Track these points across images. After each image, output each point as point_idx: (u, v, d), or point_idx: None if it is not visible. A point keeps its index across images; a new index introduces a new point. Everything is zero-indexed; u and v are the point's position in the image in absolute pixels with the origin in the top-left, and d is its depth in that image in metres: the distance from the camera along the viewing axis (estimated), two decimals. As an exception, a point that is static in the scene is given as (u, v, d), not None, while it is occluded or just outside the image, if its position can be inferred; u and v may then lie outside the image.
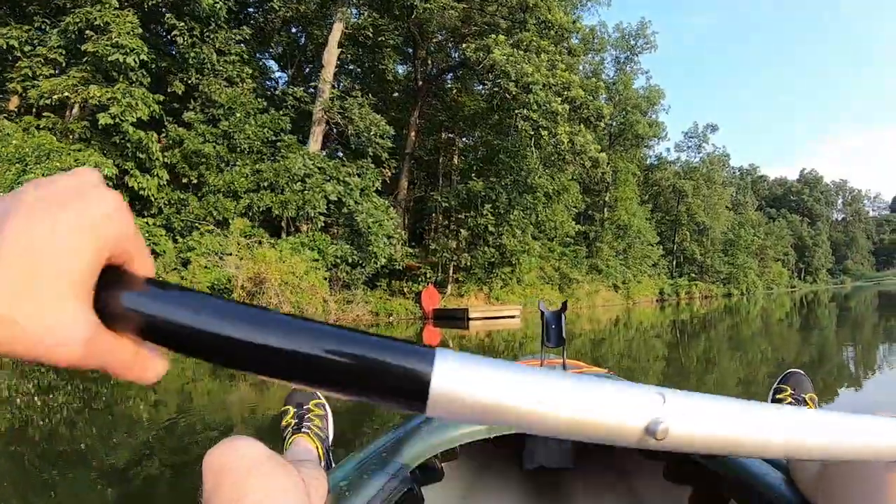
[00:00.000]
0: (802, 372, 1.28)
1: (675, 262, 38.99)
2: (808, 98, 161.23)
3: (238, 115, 15.03)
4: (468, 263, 19.99)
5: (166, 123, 14.24)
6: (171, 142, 14.25)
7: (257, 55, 19.18)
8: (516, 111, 17.37)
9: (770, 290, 43.10)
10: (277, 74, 21.11)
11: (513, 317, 16.54)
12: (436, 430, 1.01)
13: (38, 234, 0.24)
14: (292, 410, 1.22)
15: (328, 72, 17.19)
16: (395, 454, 0.92)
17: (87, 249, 0.25)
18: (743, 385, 4.72)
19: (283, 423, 1.21)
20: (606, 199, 31.53)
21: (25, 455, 3.23)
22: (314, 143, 16.47)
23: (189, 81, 15.08)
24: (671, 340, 9.77)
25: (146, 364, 0.29)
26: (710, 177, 40.93)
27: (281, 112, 15.97)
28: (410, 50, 22.28)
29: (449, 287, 20.04)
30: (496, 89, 17.69)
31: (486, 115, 22.25)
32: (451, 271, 20.07)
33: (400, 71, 24.31)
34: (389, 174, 17.37)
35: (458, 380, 0.29)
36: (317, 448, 1.13)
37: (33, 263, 0.23)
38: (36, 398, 5.08)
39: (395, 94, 24.04)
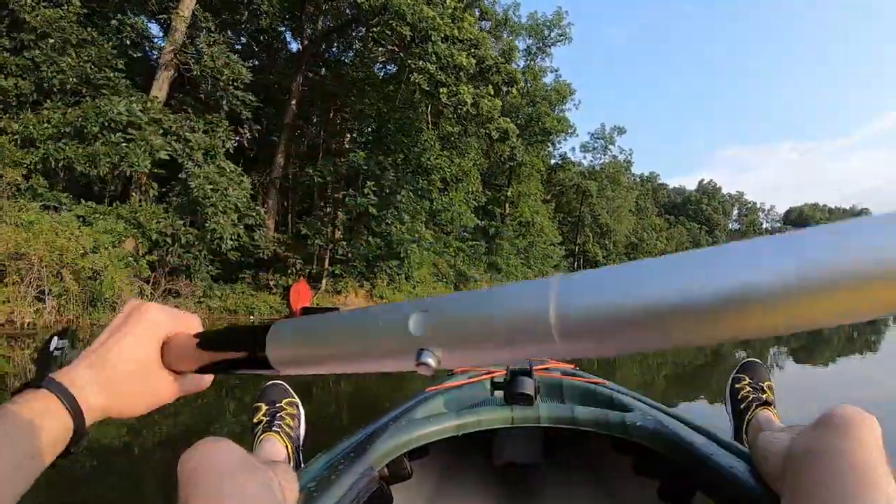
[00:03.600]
0: (759, 361, 1.33)
1: (576, 264, 39.82)
2: (706, 115, 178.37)
3: (52, 41, 12.38)
4: (347, 253, 18.32)
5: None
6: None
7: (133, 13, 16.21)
8: (409, 62, 15.69)
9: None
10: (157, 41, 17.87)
11: (396, 318, 15.07)
12: (404, 428, 1.06)
13: (126, 349, 0.54)
14: (264, 408, 1.25)
15: (185, 6, 14.77)
16: (363, 453, 0.95)
17: (152, 346, 0.55)
18: (642, 388, 4.66)
19: (255, 420, 1.24)
20: (508, 193, 31.31)
21: None
22: (158, 91, 14.02)
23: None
24: None
25: (200, 382, 0.60)
26: (615, 178, 42.38)
27: (111, 44, 13.37)
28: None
29: (324, 281, 18.30)
30: (386, 36, 15.83)
31: (379, 86, 20.78)
32: (326, 262, 18.32)
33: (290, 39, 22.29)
34: (249, 136, 15.22)
35: (288, 343, 0.45)
36: (287, 447, 1.16)
37: (134, 363, 0.54)
38: None
39: (279, 58, 21.88)
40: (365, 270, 18.77)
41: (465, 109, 16.42)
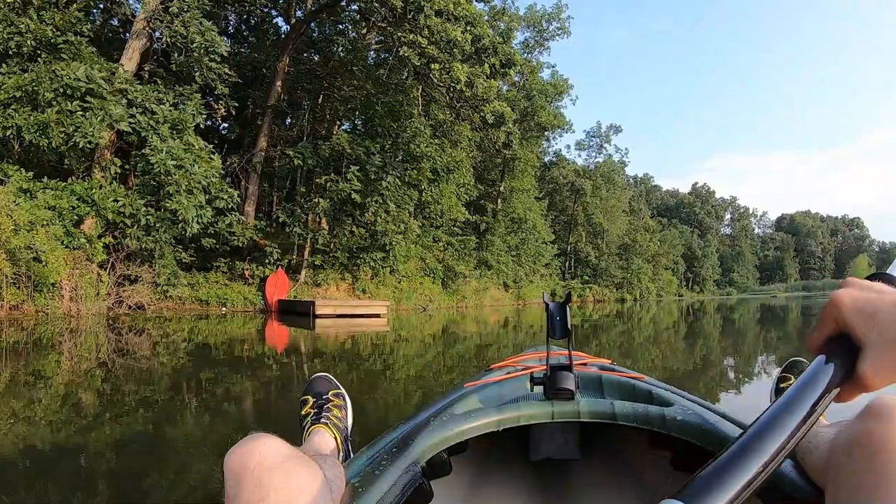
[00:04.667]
0: (805, 360, 1.33)
1: (568, 264, 39.24)
2: (703, 121, 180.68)
3: (11, 0, 11.39)
4: (328, 244, 17.41)
5: None
6: None
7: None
8: (399, 35, 14.59)
9: (660, 298, 45.12)
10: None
11: (377, 315, 14.24)
12: (445, 423, 1.07)
13: None
14: (311, 400, 1.30)
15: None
16: (405, 449, 0.98)
17: None
18: (679, 384, 4.22)
19: (303, 412, 1.28)
20: (501, 188, 30.66)
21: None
22: (127, 61, 13.01)
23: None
24: (562, 344, 9.17)
25: None
26: (609, 178, 41.83)
27: (76, 7, 12.33)
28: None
29: (303, 273, 17.41)
30: (376, 9, 14.70)
31: (369, 69, 19.88)
32: (306, 253, 17.41)
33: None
34: (223, 112, 14.25)
35: None
36: (335, 439, 1.19)
37: None
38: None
39: (268, 38, 20.93)
40: (347, 262, 17.88)
41: (458, 88, 15.34)
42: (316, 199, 15.74)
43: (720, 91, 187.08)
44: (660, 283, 46.86)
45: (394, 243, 17.30)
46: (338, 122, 20.88)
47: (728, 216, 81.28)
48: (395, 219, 16.87)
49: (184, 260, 14.23)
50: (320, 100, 20.32)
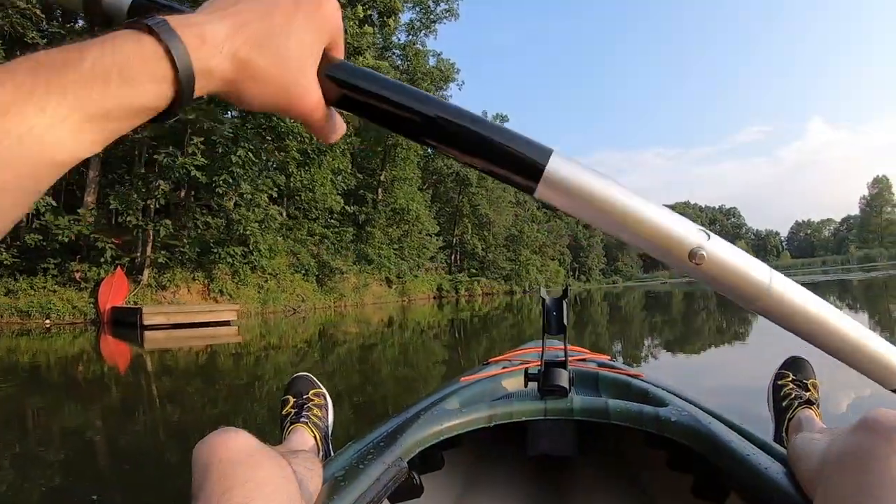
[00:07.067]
0: (804, 358, 1.33)
1: (454, 257, 39.17)
2: (581, 123, 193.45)
3: None
4: (177, 236, 15.45)
5: None
6: None
7: None
8: None
9: (548, 289, 46.51)
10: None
11: (226, 323, 12.77)
12: (435, 418, 1.11)
13: (295, 27, 0.39)
14: (292, 400, 1.33)
15: None
16: (393, 443, 0.99)
17: (320, 38, 0.42)
18: (680, 381, 4.69)
19: (283, 412, 1.31)
20: (382, 178, 29.76)
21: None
22: None
23: None
24: (450, 342, 9.86)
25: (336, 127, 0.46)
26: (496, 167, 42.33)
27: None
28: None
29: (146, 273, 15.34)
30: None
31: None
32: (149, 248, 15.33)
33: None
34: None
35: (564, 174, 0.44)
36: (315, 438, 1.22)
37: (295, 48, 0.39)
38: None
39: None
40: (199, 258, 15.97)
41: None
42: (156, 182, 13.75)
43: (602, 93, 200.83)
44: (548, 274, 48.36)
45: (249, 233, 15.63)
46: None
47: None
48: (248, 203, 15.15)
49: (5, 262, 12.62)
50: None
